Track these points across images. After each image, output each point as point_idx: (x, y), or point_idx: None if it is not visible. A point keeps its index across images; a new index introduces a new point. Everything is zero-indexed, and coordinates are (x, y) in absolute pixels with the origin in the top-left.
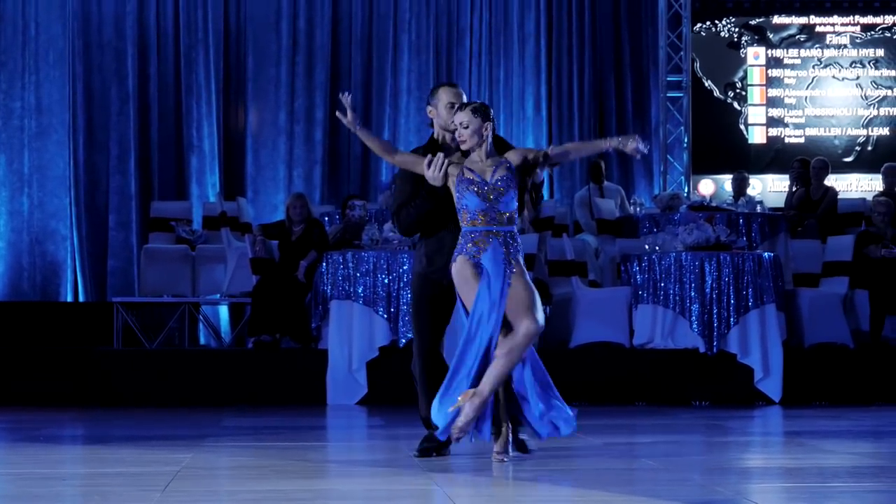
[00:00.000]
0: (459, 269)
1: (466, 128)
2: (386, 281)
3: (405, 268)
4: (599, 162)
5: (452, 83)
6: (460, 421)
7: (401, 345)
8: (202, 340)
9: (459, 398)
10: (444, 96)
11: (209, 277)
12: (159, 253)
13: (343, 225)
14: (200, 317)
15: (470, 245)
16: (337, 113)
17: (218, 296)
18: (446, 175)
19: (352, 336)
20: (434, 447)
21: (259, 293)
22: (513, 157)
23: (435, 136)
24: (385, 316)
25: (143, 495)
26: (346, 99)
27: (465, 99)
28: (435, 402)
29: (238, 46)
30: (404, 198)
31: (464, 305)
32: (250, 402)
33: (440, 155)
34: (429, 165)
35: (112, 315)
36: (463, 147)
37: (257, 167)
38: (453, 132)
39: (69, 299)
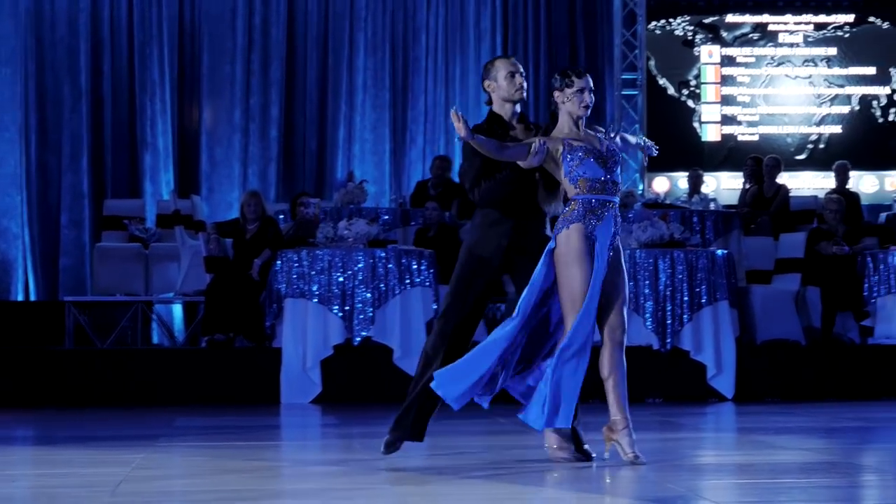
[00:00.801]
0: (572, 239)
1: (591, 92)
2: (341, 279)
3: (360, 265)
4: None
5: (506, 55)
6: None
7: (355, 343)
8: (155, 340)
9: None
10: (503, 67)
11: (162, 276)
12: (112, 251)
13: (296, 223)
14: (154, 316)
15: (588, 213)
16: (453, 114)
17: (171, 294)
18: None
19: (306, 334)
20: (399, 438)
21: (213, 292)
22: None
23: (495, 111)
24: (340, 314)
25: (93, 495)
26: (457, 115)
27: (521, 69)
28: (456, 371)
29: (193, 43)
30: (478, 170)
31: (540, 279)
32: (204, 402)
33: (540, 139)
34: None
35: (63, 314)
36: (584, 112)
37: (212, 164)
38: (516, 102)
39: (20, 298)
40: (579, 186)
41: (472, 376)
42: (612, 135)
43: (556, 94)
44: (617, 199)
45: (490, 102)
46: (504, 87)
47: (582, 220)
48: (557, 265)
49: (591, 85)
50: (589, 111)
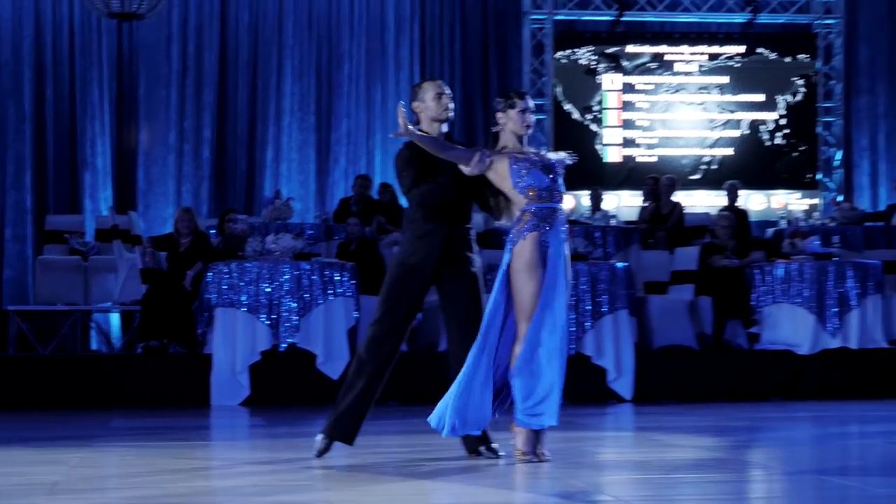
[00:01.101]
0: (526, 249)
1: (532, 112)
2: (268, 289)
3: (286, 277)
4: None
5: (433, 78)
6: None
7: (281, 349)
8: (94, 346)
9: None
10: (431, 89)
11: (101, 287)
12: (53, 263)
13: (224, 238)
14: (92, 324)
15: (540, 222)
16: (399, 109)
17: (109, 304)
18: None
19: (235, 341)
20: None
21: (148, 301)
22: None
23: (423, 129)
24: (267, 322)
25: (31, 493)
26: (402, 110)
27: (448, 91)
28: (458, 397)
29: (131, 69)
30: (415, 175)
31: (503, 290)
32: (139, 404)
33: (485, 154)
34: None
35: (7, 322)
36: (526, 132)
37: (148, 183)
38: (443, 121)
39: None
40: (529, 196)
41: (468, 402)
42: (543, 152)
43: (499, 115)
44: (562, 207)
45: (418, 122)
46: (432, 107)
47: (536, 229)
48: (513, 274)
49: (533, 106)
50: (531, 130)
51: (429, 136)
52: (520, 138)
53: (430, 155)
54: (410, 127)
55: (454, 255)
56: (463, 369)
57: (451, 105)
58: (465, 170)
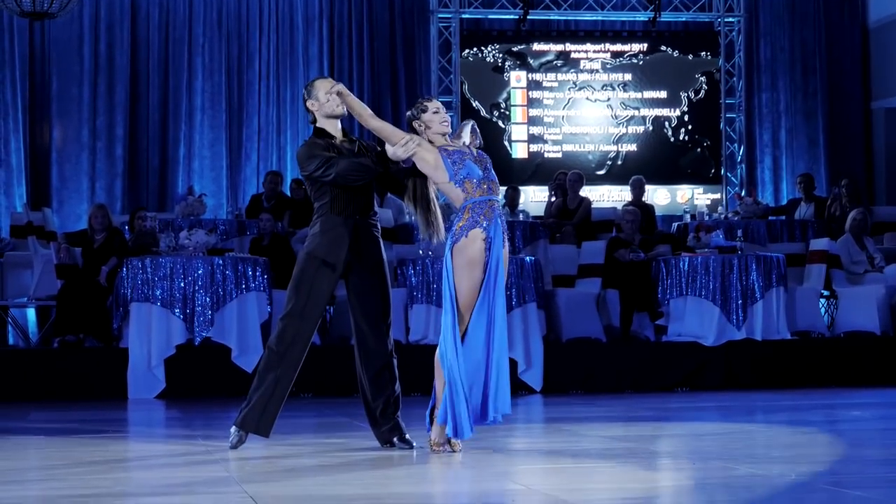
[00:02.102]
0: (472, 246)
1: (445, 111)
2: (182, 284)
3: (200, 272)
4: None
5: (323, 75)
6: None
7: (196, 343)
8: (10, 341)
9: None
10: (322, 87)
11: (17, 282)
12: None
13: (135, 235)
14: (9, 319)
15: (481, 217)
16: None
17: (25, 299)
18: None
19: (151, 335)
20: (245, 433)
21: (64, 296)
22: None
23: (320, 126)
24: (181, 316)
25: None
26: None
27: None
28: (452, 406)
29: (43, 68)
30: (327, 158)
31: (453, 288)
32: (56, 398)
33: (414, 137)
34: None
35: None
36: (446, 130)
37: (62, 180)
38: (338, 117)
39: None
40: (466, 189)
41: (460, 405)
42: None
43: (416, 123)
44: (499, 199)
45: (314, 121)
46: (325, 104)
47: (476, 225)
48: (456, 268)
49: (441, 106)
50: (449, 127)
51: (361, 105)
52: (443, 136)
53: (332, 146)
54: (343, 89)
55: (362, 248)
56: (447, 377)
57: (342, 104)
58: (391, 150)
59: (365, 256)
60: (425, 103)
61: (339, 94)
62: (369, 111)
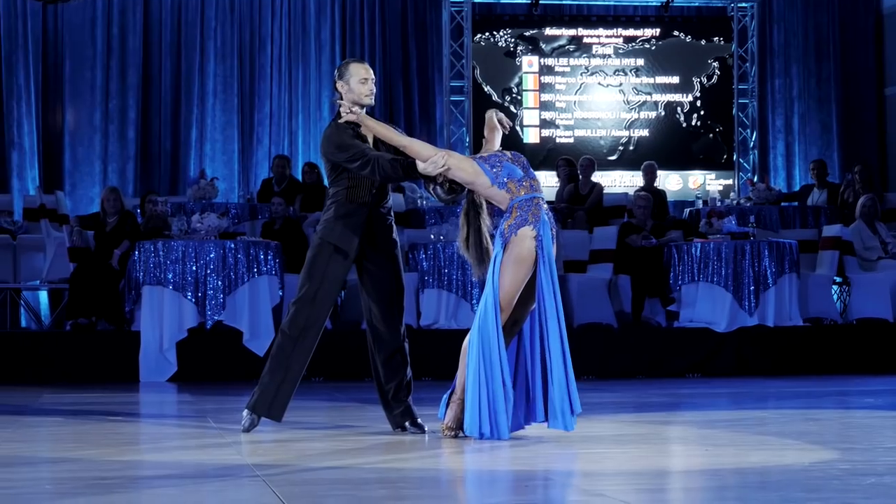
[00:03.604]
0: (521, 243)
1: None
2: (194, 268)
3: (212, 255)
4: None
5: (360, 59)
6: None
7: (208, 326)
8: (23, 323)
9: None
10: (356, 71)
11: (30, 265)
12: None
13: (146, 219)
14: (22, 301)
15: (529, 215)
16: (346, 111)
17: (38, 282)
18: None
19: (162, 319)
20: (258, 416)
21: (76, 279)
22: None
23: (344, 111)
24: (193, 300)
25: None
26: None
27: (372, 75)
28: (494, 407)
29: (56, 51)
30: (362, 148)
31: (497, 284)
32: (68, 381)
33: (443, 152)
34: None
35: None
36: (505, 132)
37: (74, 163)
38: (363, 106)
39: None
40: (511, 190)
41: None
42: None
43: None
44: (543, 196)
45: (340, 100)
46: (356, 90)
47: (526, 222)
48: (503, 266)
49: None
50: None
51: (383, 125)
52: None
53: (359, 134)
54: (360, 112)
55: (375, 234)
56: (475, 376)
57: (374, 90)
58: (421, 167)
59: (378, 243)
60: (355, 73)
61: (358, 120)
62: (393, 130)
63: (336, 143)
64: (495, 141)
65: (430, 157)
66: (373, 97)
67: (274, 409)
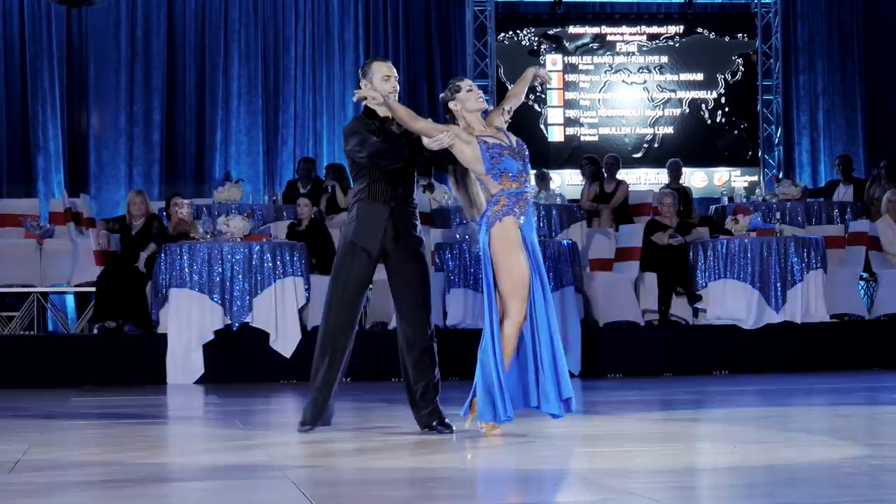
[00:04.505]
0: (508, 231)
1: (479, 88)
2: (220, 270)
3: (238, 257)
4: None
5: (382, 57)
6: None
7: (234, 328)
8: (50, 327)
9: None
10: (379, 70)
11: (56, 269)
12: (9, 246)
13: (172, 222)
14: (48, 305)
15: (516, 207)
16: (359, 94)
17: (64, 285)
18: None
19: (189, 321)
20: (311, 420)
21: (103, 282)
22: (500, 122)
23: (370, 106)
24: (219, 302)
25: None
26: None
27: (395, 73)
28: (490, 391)
29: (80, 55)
30: (365, 139)
31: (494, 275)
32: (96, 384)
33: (448, 129)
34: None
35: None
36: (483, 104)
37: (100, 166)
38: None
39: None
40: (503, 182)
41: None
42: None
43: (451, 104)
44: (530, 190)
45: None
46: (379, 88)
47: (512, 212)
48: (496, 257)
49: (475, 85)
50: (485, 103)
51: (401, 106)
52: (479, 116)
53: (379, 128)
54: (377, 93)
55: (400, 233)
56: (483, 366)
57: (397, 87)
58: (426, 141)
59: (403, 242)
60: (458, 83)
61: (381, 101)
62: (411, 113)
63: (349, 132)
64: (519, 96)
65: (437, 132)
66: (396, 95)
67: (317, 417)
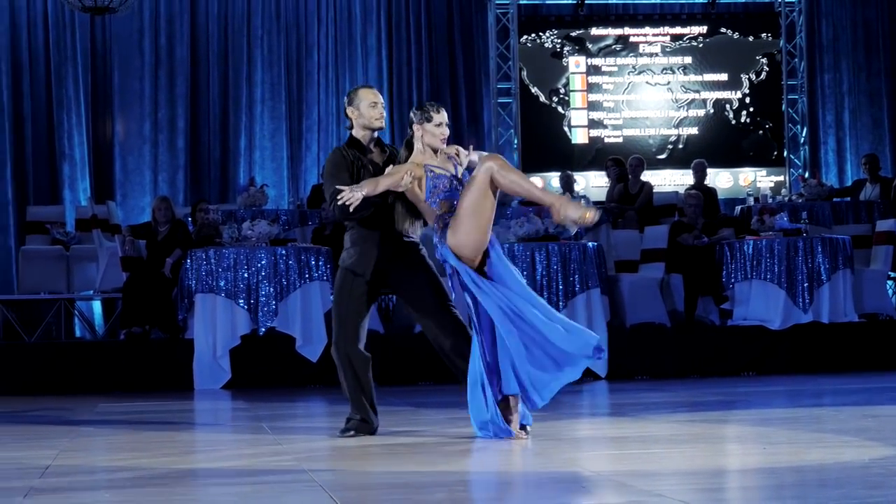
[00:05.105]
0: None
1: (448, 126)
2: (246, 275)
3: (263, 262)
4: None
5: (369, 85)
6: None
7: (260, 333)
8: (77, 333)
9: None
10: (365, 97)
11: (83, 275)
12: (36, 254)
13: (198, 227)
14: (75, 312)
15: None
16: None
17: (91, 292)
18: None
19: (215, 326)
20: (356, 429)
21: (129, 289)
22: (452, 150)
23: (355, 135)
24: (245, 307)
25: (24, 476)
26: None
27: (381, 99)
28: (483, 402)
29: (105, 62)
30: (334, 192)
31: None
32: (123, 389)
33: (410, 167)
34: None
35: None
36: (443, 145)
37: (125, 173)
38: (374, 130)
39: None
40: (441, 207)
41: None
42: (467, 153)
43: (416, 127)
44: None
45: (351, 127)
46: (366, 115)
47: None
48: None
49: (447, 119)
50: (444, 143)
51: (372, 182)
52: (435, 151)
53: (361, 162)
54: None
55: (392, 255)
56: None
57: (384, 114)
58: (401, 185)
59: (400, 259)
60: (432, 113)
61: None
62: (374, 181)
63: (327, 174)
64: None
65: (402, 184)
66: (383, 121)
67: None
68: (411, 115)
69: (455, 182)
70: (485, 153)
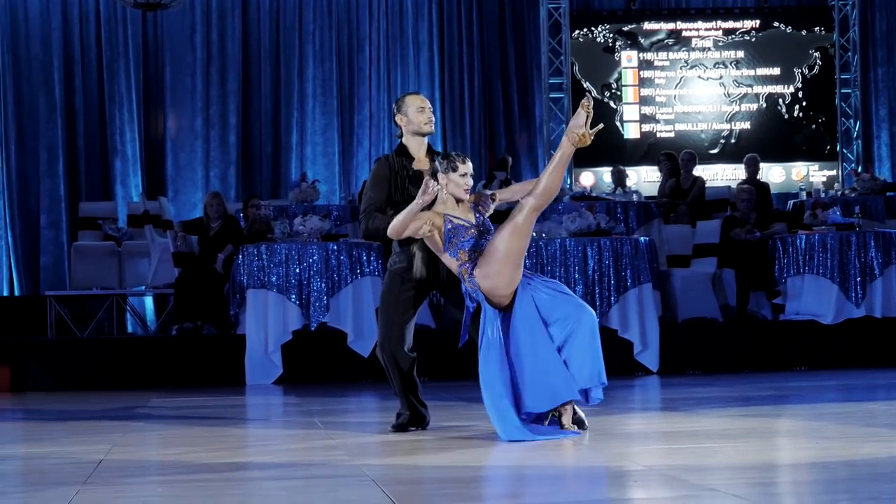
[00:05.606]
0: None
1: (472, 176)
2: (297, 270)
3: (315, 258)
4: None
5: (415, 91)
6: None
7: (312, 328)
8: (129, 329)
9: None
10: (413, 103)
11: (135, 271)
12: (88, 249)
13: (250, 222)
14: (127, 307)
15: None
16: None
17: (143, 287)
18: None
19: (267, 321)
20: (408, 423)
21: (181, 284)
22: (477, 198)
23: (404, 143)
24: (297, 302)
25: (78, 470)
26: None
27: (429, 104)
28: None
29: (156, 58)
30: (376, 202)
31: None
32: (175, 385)
33: (430, 215)
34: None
35: (46, 307)
36: (466, 195)
37: (177, 169)
38: (425, 135)
39: (6, 293)
40: (460, 258)
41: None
42: (489, 193)
43: (441, 176)
44: None
45: (401, 135)
46: (414, 121)
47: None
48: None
49: (471, 169)
50: (468, 194)
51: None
52: (458, 201)
53: (407, 175)
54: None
55: (438, 262)
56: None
57: (433, 118)
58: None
59: (443, 268)
60: (458, 163)
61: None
62: (393, 223)
63: (369, 185)
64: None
65: (420, 232)
66: (432, 125)
67: (418, 419)
68: (436, 164)
69: (475, 231)
70: (517, 187)
